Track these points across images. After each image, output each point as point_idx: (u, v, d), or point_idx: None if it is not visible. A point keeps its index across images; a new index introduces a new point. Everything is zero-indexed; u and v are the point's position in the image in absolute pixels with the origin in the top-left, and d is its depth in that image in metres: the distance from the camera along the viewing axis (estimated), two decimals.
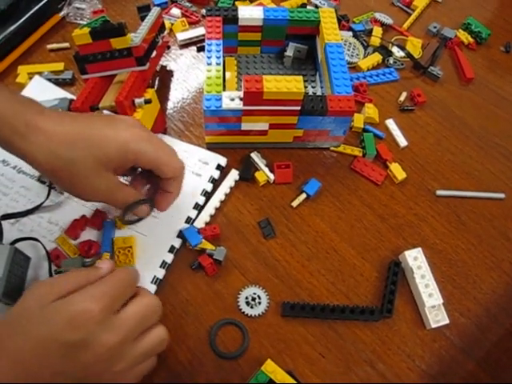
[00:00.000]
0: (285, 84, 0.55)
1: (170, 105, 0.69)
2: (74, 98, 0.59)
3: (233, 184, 0.61)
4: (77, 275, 0.44)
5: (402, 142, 0.67)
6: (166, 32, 0.72)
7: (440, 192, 0.64)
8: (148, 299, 0.45)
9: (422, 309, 0.54)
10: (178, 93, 0.70)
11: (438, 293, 0.54)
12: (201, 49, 0.75)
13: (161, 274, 0.54)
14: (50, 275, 0.52)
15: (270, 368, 0.45)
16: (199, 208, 0.59)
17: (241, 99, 0.57)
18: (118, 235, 0.56)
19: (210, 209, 0.58)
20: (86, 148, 0.44)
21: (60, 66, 0.71)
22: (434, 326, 0.54)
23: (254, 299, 0.53)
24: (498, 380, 0.52)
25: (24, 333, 0.39)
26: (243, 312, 0.53)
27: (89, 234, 0.57)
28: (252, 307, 0.53)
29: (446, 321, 0.54)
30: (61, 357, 0.39)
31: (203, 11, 0.79)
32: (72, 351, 0.39)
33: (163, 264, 0.55)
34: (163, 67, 0.73)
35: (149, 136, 0.47)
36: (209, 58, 0.61)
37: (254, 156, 0.62)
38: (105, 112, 0.58)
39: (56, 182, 0.48)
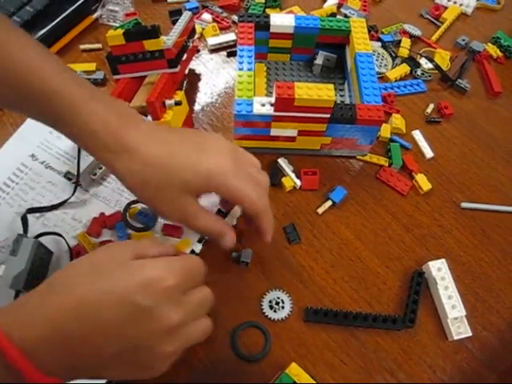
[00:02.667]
0: (316, 91, 0.55)
1: (198, 108, 0.70)
2: None
3: None
4: (155, 244, 0.44)
5: (428, 153, 0.68)
6: (196, 36, 0.73)
7: (465, 204, 0.64)
8: (208, 291, 0.44)
9: (445, 320, 0.54)
10: (207, 96, 0.71)
11: (460, 305, 0.54)
12: (231, 54, 0.76)
13: None
14: None
15: (295, 371, 0.46)
16: (222, 214, 0.59)
17: (271, 105, 0.58)
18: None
19: (237, 212, 0.59)
20: (169, 175, 0.45)
21: (92, 66, 0.72)
22: (456, 337, 0.54)
23: (277, 303, 0.54)
24: None
25: (92, 282, 0.38)
26: (266, 315, 0.53)
27: (110, 233, 0.58)
28: (275, 311, 0.54)
29: (469, 333, 0.54)
30: (123, 315, 0.37)
31: (234, 17, 0.80)
32: (137, 314, 0.38)
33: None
34: (192, 71, 0.74)
35: (234, 168, 0.46)
36: (240, 63, 0.62)
37: (282, 162, 0.63)
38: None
39: (138, 198, 0.49)
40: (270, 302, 0.54)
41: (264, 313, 0.53)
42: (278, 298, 0.54)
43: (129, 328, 0.37)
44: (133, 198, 0.58)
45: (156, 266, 0.40)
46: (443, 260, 0.57)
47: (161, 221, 0.58)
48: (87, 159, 0.60)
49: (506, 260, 0.60)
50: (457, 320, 0.54)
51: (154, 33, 0.61)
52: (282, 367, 0.48)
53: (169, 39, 0.63)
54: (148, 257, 0.41)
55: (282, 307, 0.54)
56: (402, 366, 0.52)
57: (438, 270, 0.56)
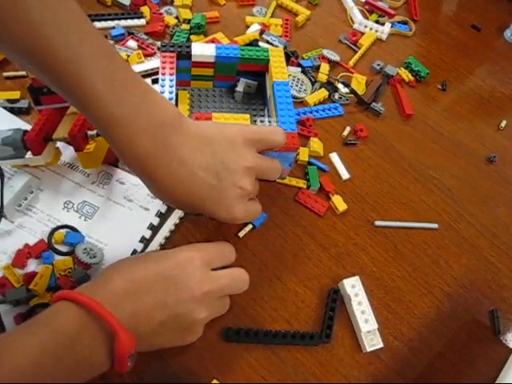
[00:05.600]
0: (232, 122, 0.58)
1: None
2: (29, 128, 0.61)
3: (182, 214, 0.63)
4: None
5: (345, 174, 0.72)
6: None
7: (378, 223, 0.68)
8: (241, 273, 0.54)
9: (359, 334, 0.58)
10: None
11: (373, 318, 0.58)
12: (156, 81, 0.77)
13: None
14: None
15: None
16: (145, 241, 0.61)
17: None
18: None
19: (160, 238, 0.61)
20: (191, 208, 0.54)
21: (16, 94, 0.71)
22: (369, 349, 0.57)
23: None
24: None
25: (145, 266, 0.49)
26: None
27: (36, 262, 0.58)
28: None
29: (381, 345, 0.58)
30: (164, 288, 0.48)
31: (159, 43, 0.82)
32: (173, 285, 0.48)
33: None
34: None
35: (241, 216, 0.55)
36: (162, 92, 0.64)
37: None
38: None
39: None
40: None
41: None
42: None
43: (170, 297, 0.47)
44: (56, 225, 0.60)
45: (184, 248, 0.52)
46: (357, 277, 0.61)
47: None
48: (11, 190, 0.60)
49: (415, 273, 0.65)
50: (370, 333, 0.58)
51: None
52: None
53: None
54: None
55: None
56: (319, 378, 0.55)
57: (352, 287, 0.60)
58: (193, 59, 0.70)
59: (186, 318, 0.49)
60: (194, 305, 0.49)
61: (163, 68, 0.67)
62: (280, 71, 0.69)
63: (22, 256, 0.57)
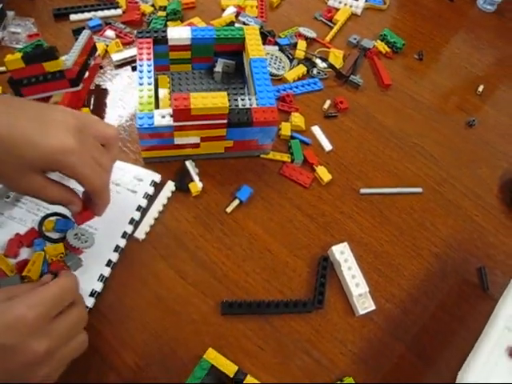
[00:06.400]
0: (210, 100, 0.59)
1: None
2: None
3: (170, 195, 0.64)
4: (22, 286, 0.48)
5: (327, 146, 0.73)
6: (97, 53, 0.75)
7: (363, 190, 0.69)
8: (79, 309, 0.47)
9: (351, 298, 0.59)
10: (114, 111, 0.73)
11: (363, 282, 0.60)
12: (135, 68, 0.78)
13: (99, 287, 0.57)
14: None
15: (212, 355, 0.49)
16: (135, 223, 0.62)
17: (171, 116, 0.61)
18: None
19: (149, 219, 0.62)
20: (9, 151, 0.44)
21: None
22: (361, 312, 0.59)
23: None
24: (425, 359, 0.58)
25: None
26: None
27: (28, 251, 0.58)
28: None
29: (373, 307, 0.59)
30: None
31: (136, 32, 0.82)
32: (2, 354, 0.40)
33: (101, 277, 0.57)
34: (98, 86, 0.76)
35: (77, 147, 0.45)
36: (141, 78, 0.64)
37: (188, 164, 0.66)
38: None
39: None
40: None
41: None
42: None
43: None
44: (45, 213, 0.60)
45: (14, 306, 0.42)
46: (345, 243, 0.62)
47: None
48: None
49: (402, 237, 0.66)
50: (361, 296, 0.59)
51: (52, 54, 0.62)
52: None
53: (68, 59, 0.65)
54: (14, 297, 0.43)
55: None
56: (315, 344, 0.57)
57: (341, 253, 0.61)
58: (169, 43, 0.70)
59: (24, 381, 0.42)
60: (31, 368, 0.42)
61: (140, 54, 0.68)
62: (256, 48, 0.70)
63: (14, 246, 0.58)
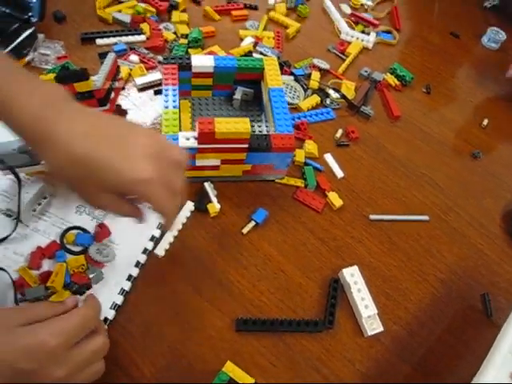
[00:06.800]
0: (233, 125, 0.62)
1: None
2: None
3: (189, 214, 0.67)
4: (45, 307, 0.49)
5: (339, 173, 0.76)
6: (120, 75, 0.78)
7: (373, 216, 0.72)
8: (100, 340, 0.49)
9: (360, 319, 0.62)
10: None
11: (372, 304, 0.62)
12: (157, 92, 0.82)
13: (119, 300, 0.59)
14: (16, 303, 0.55)
15: (230, 368, 0.51)
16: (155, 240, 0.64)
17: (195, 138, 0.64)
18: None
19: (169, 237, 0.64)
20: (92, 173, 0.45)
21: None
22: (370, 333, 0.61)
23: None
24: (430, 381, 0.60)
25: None
26: None
27: (50, 262, 0.61)
28: None
29: (381, 328, 0.61)
30: (10, 378, 0.42)
31: (159, 57, 0.86)
32: (21, 377, 0.42)
33: (121, 291, 0.59)
34: (119, 107, 0.79)
35: (156, 175, 0.47)
36: (166, 101, 0.68)
37: (207, 186, 0.69)
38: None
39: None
40: None
41: None
42: None
43: None
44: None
45: (36, 331, 0.44)
46: (355, 267, 0.65)
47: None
48: (27, 196, 0.63)
49: (410, 262, 0.69)
50: (370, 318, 0.62)
51: (84, 75, 0.66)
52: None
53: (97, 80, 0.68)
54: (35, 321, 0.45)
55: None
56: (325, 363, 0.59)
57: (351, 276, 0.64)
58: (193, 70, 0.74)
59: None
60: None
61: (166, 79, 0.71)
62: (275, 78, 0.73)
63: (37, 258, 0.60)
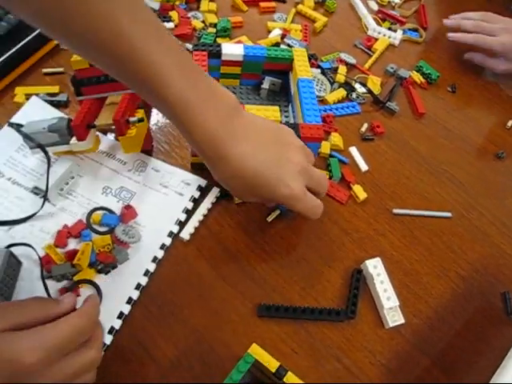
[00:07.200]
0: (263, 113, 0.63)
1: (155, 127, 0.76)
2: (71, 117, 0.65)
3: (214, 200, 0.67)
4: (36, 309, 0.44)
5: (364, 166, 0.76)
6: None
7: (396, 210, 0.73)
8: (91, 354, 0.44)
9: (382, 310, 0.62)
10: (163, 116, 0.77)
11: (394, 296, 0.62)
12: None
13: (144, 281, 0.60)
14: (43, 279, 0.56)
15: (256, 350, 0.51)
16: (180, 224, 0.65)
17: None
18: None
19: (194, 222, 0.65)
20: (252, 187, 0.56)
21: (55, 88, 0.76)
22: (391, 325, 0.61)
23: None
24: (449, 375, 0.60)
25: None
26: None
27: (76, 241, 0.62)
28: None
29: (402, 321, 0.62)
30: None
31: (187, 45, 0.86)
32: None
33: (146, 272, 0.60)
34: None
35: (302, 193, 0.58)
36: None
37: None
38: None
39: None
40: None
41: None
42: None
43: None
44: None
45: (16, 343, 0.40)
46: (378, 258, 0.65)
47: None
48: (55, 175, 0.64)
49: (431, 257, 0.69)
50: (392, 309, 0.62)
51: None
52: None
53: None
54: (26, 327, 0.41)
55: None
56: (346, 352, 0.59)
57: (374, 267, 0.64)
58: (223, 58, 0.75)
59: None
60: None
61: None
62: (304, 69, 0.74)
63: (63, 236, 0.61)
